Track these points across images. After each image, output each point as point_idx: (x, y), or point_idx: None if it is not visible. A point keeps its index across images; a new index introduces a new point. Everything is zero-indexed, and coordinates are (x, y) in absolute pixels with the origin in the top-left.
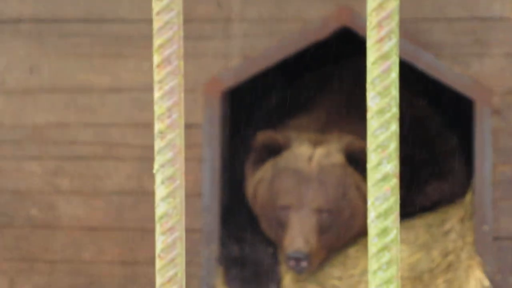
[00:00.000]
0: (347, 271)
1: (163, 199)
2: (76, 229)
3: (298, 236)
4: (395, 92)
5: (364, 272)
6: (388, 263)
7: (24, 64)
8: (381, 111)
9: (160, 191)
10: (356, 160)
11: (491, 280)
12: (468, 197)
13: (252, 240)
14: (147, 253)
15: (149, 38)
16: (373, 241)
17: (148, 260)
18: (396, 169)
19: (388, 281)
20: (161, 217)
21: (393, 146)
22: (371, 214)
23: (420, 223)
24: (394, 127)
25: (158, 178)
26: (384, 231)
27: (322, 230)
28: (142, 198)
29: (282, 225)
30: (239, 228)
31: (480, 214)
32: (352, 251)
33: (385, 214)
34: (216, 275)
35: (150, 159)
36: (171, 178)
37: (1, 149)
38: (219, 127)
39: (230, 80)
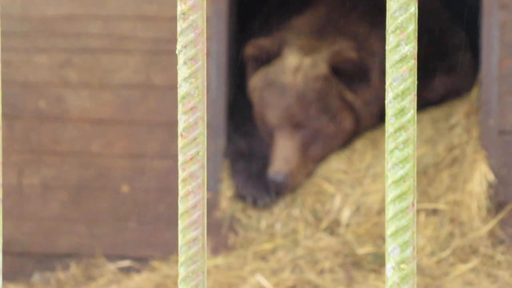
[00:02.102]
0: (352, 165)
1: (186, 79)
2: (84, 121)
3: (278, 158)
4: None
5: (370, 165)
6: (405, 142)
7: None
8: None
9: (182, 71)
10: (342, 70)
11: (496, 173)
12: (474, 92)
13: (258, 134)
14: (155, 146)
15: None
16: (390, 121)
17: (156, 153)
18: (414, 51)
19: (404, 160)
20: (183, 97)
21: (412, 27)
22: (389, 95)
23: (425, 117)
24: (413, 8)
25: (181, 59)
26: (401, 111)
27: (305, 147)
28: (150, 92)
29: (270, 140)
30: (246, 122)
31: (485, 108)
32: (358, 145)
33: (402, 95)
34: (223, 169)
35: (159, 52)
36: (193, 59)
37: (10, 40)
38: (226, 21)
39: None
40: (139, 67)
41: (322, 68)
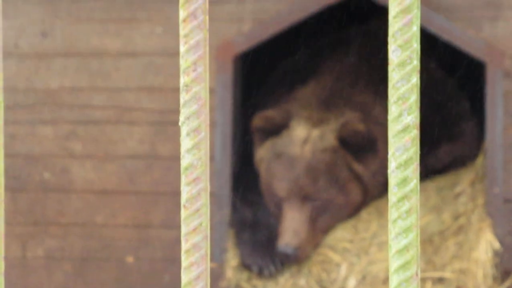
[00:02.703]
0: (358, 234)
1: (189, 150)
2: (89, 193)
3: (287, 230)
4: (416, 45)
5: (375, 235)
6: (408, 212)
7: (36, 28)
8: (402, 64)
9: (185, 143)
10: (350, 142)
11: (502, 241)
12: (479, 160)
13: (263, 204)
14: (160, 216)
15: (162, 2)
16: (393, 191)
17: (161, 223)
18: (417, 120)
19: (407, 230)
20: (186, 168)
21: (414, 98)
22: (392, 165)
23: (431, 186)
24: (415, 79)
25: (184, 130)
26: (404, 181)
27: (313, 218)
28: (154, 162)
29: (278, 212)
30: (251, 191)
31: (491, 176)
32: (363, 214)
33: (405, 164)
34: (228, 239)
35: (163, 123)
36: (196, 130)
37: (15, 113)
38: (231, 92)
39: (243, 44)
40: (144, 138)
41: (330, 140)
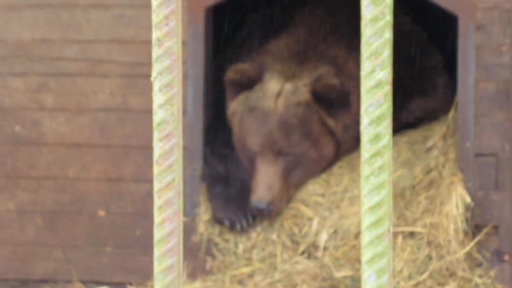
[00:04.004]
0: (330, 188)
1: (161, 106)
2: (60, 146)
3: (261, 184)
4: (388, 0)
5: (347, 189)
6: (381, 168)
7: None
8: (374, 19)
9: (158, 98)
10: (323, 96)
11: (473, 196)
12: (451, 114)
13: (236, 158)
14: (132, 170)
15: None
16: (366, 147)
17: (133, 177)
18: (389, 76)
19: (380, 186)
20: (159, 124)
21: (387, 53)
22: (364, 121)
23: (402, 140)
24: (388, 34)
25: (156, 85)
26: (376, 137)
27: (286, 173)
28: (126, 115)
29: (251, 166)
30: (223, 145)
31: (462, 130)
32: (335, 168)
33: (377, 120)
34: (200, 192)
35: (135, 76)
36: (168, 85)
37: None
38: (203, 45)
39: None
40: (116, 91)
41: (304, 94)
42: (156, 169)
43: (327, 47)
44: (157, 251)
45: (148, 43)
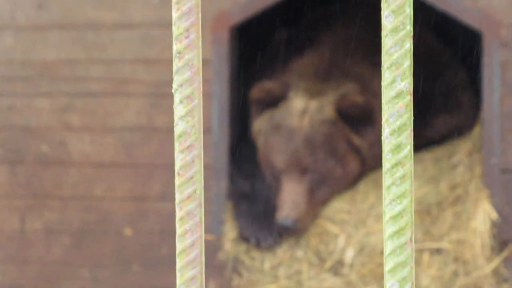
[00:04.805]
0: (356, 206)
1: (182, 117)
2: (87, 165)
3: (287, 202)
4: (409, 10)
5: (373, 206)
6: (402, 178)
7: (33, 0)
8: (395, 29)
9: (178, 110)
10: (348, 113)
11: (499, 212)
12: (476, 130)
13: (261, 176)
14: (157, 188)
15: None
16: (387, 157)
17: (158, 196)
18: (410, 86)
19: (401, 196)
20: (180, 136)
21: (407, 63)
22: (385, 131)
23: (428, 156)
24: (408, 44)
25: (177, 97)
26: (398, 147)
27: (312, 190)
28: (152, 134)
29: (276, 184)
30: (249, 164)
31: (488, 146)
32: (361, 185)
33: (399, 131)
34: (226, 211)
35: (160, 95)
36: (189, 97)
37: (12, 85)
38: (227, 63)
39: (239, 15)
40: (141, 110)
41: (329, 112)
42: (177, 181)
43: (352, 65)
44: (178, 263)
45: (172, 62)
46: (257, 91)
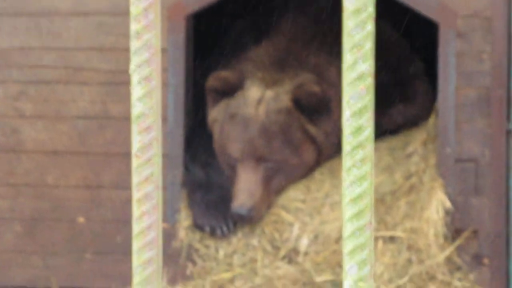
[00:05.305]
0: (311, 194)
1: (140, 99)
2: (39, 153)
3: (242, 191)
4: None
5: (328, 195)
6: (362, 161)
7: None
8: (357, 11)
9: (136, 91)
10: (304, 103)
11: (453, 201)
12: (431, 120)
13: (216, 164)
14: (111, 177)
15: None
16: (348, 140)
17: (112, 184)
18: (371, 69)
19: (362, 178)
20: (138, 117)
21: (369, 45)
22: (346, 113)
23: (383, 146)
24: (370, 27)
25: (135, 79)
26: (358, 129)
27: (267, 179)
28: (106, 123)
29: (231, 172)
30: (204, 152)
31: (442, 136)
32: (316, 174)
33: (359, 113)
34: (180, 199)
35: (115, 84)
36: (147, 79)
37: None
38: (183, 52)
39: (195, 4)
40: (95, 98)
41: (285, 101)
42: (135, 162)
43: (309, 54)
44: (135, 245)
45: (128, 50)
46: (213, 80)
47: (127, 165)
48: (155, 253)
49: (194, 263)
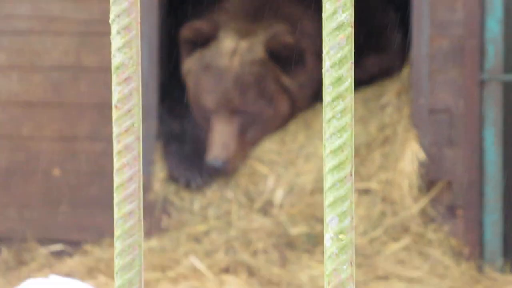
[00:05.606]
0: (285, 146)
1: (119, 49)
2: (13, 104)
3: (216, 143)
4: None
5: (303, 146)
6: (343, 112)
7: None
8: None
9: (116, 41)
10: (278, 54)
11: (427, 152)
12: (405, 71)
13: (191, 116)
14: (86, 128)
15: None
16: (328, 90)
17: (87, 136)
18: (351, 18)
19: (342, 129)
20: (117, 67)
21: None
22: (326, 64)
23: (357, 97)
24: None
25: (114, 28)
26: (338, 80)
27: (242, 131)
28: (80, 74)
29: (206, 124)
30: (179, 103)
31: (416, 87)
32: (291, 126)
33: (339, 63)
34: (155, 151)
35: (89, 34)
36: (127, 28)
37: None
38: (157, 2)
39: None
40: (69, 49)
41: (259, 52)
42: (115, 114)
43: (283, 4)
44: (116, 197)
45: (102, 0)
46: (186, 30)
47: (101, 116)
48: (136, 205)
49: (169, 215)
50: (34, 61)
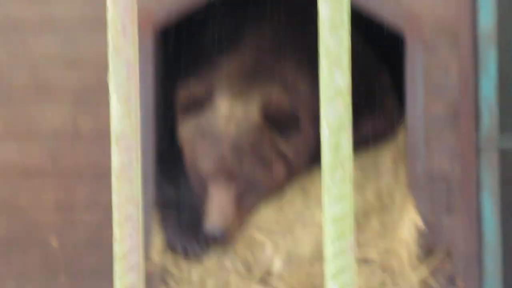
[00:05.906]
0: (282, 213)
1: (119, 118)
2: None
3: (214, 210)
4: (346, 5)
5: (300, 214)
6: (342, 180)
7: None
8: (333, 24)
9: (116, 110)
10: (274, 118)
11: (425, 220)
12: (400, 135)
13: (188, 183)
14: (84, 198)
15: None
16: (326, 158)
17: (85, 205)
18: (349, 84)
19: (342, 198)
20: (117, 138)
21: (345, 61)
22: (325, 131)
23: (353, 164)
24: (346, 41)
25: (113, 97)
26: (337, 147)
27: (239, 197)
28: (77, 140)
29: (203, 190)
30: (176, 169)
31: (412, 154)
32: (288, 193)
33: (338, 131)
34: (153, 219)
35: (85, 99)
36: (127, 97)
37: None
38: (152, 64)
39: (164, 15)
40: (66, 116)
41: (255, 117)
42: (114, 182)
43: (277, 64)
44: (118, 269)
45: (97, 65)
46: (181, 96)
47: (100, 185)
48: (137, 277)
49: (167, 286)
50: (30, 128)
